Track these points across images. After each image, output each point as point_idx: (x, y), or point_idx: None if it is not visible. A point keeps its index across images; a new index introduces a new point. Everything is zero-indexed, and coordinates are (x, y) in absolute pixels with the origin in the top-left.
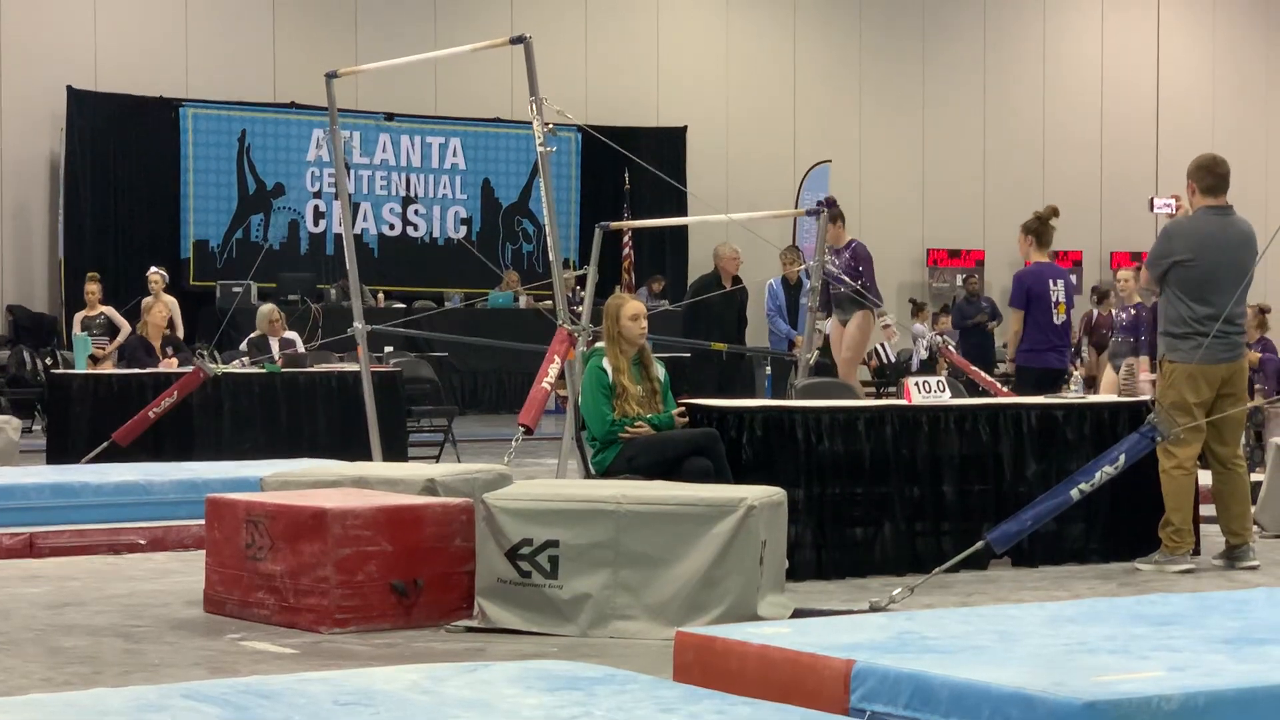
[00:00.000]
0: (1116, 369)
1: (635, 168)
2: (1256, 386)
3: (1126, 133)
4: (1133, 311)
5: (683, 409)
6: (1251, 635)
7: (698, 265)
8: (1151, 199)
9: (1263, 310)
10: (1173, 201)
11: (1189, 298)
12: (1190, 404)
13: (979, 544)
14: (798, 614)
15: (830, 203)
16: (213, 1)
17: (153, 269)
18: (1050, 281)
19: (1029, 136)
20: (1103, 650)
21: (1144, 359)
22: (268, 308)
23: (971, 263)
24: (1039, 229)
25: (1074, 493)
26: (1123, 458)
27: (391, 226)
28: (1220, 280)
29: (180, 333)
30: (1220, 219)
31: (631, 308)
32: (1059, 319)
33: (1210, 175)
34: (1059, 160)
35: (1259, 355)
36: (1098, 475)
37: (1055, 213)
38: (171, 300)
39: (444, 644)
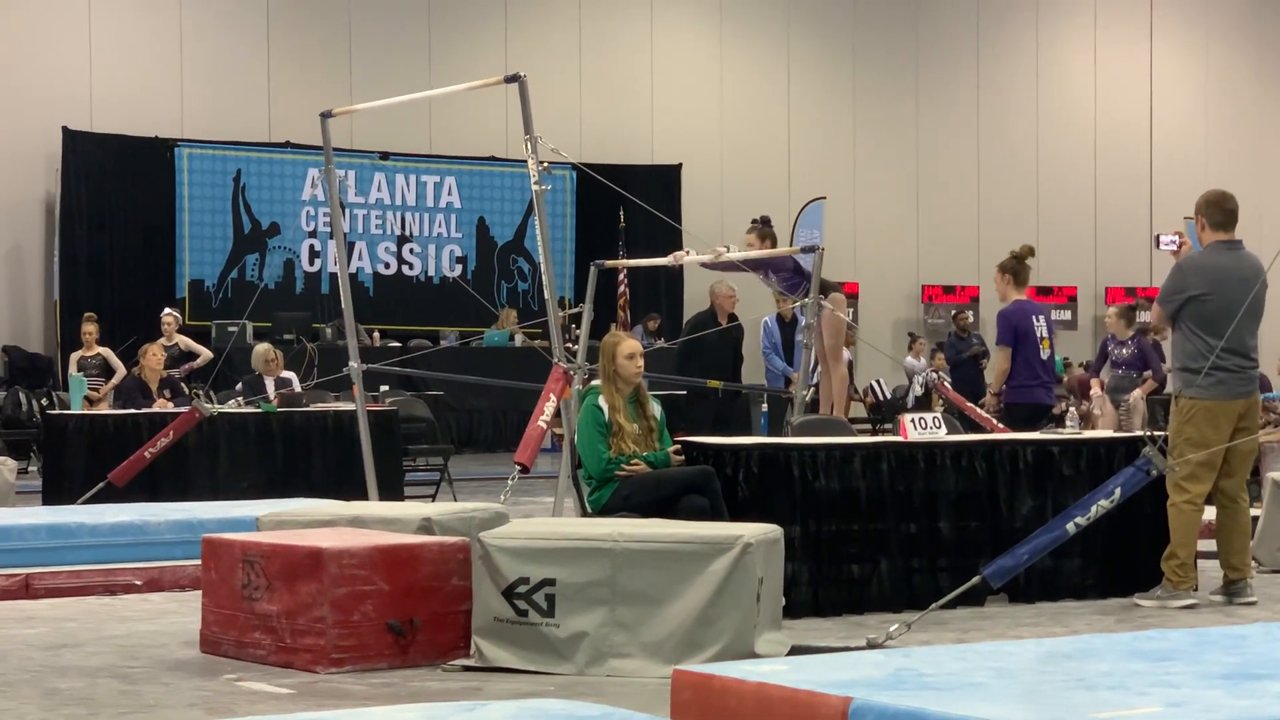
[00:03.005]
0: (1117, 405)
1: (630, 205)
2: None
3: (1120, 167)
4: (1134, 347)
5: (679, 447)
6: (1250, 671)
7: (693, 303)
8: (1158, 236)
9: None
10: (1177, 239)
11: (1205, 333)
12: (1210, 440)
13: (975, 579)
14: (795, 651)
15: (765, 220)
16: (207, 42)
17: (166, 310)
18: (1034, 318)
19: (1023, 172)
20: (1101, 686)
21: (1137, 392)
22: (263, 347)
23: (966, 298)
24: (1016, 268)
25: (1070, 527)
26: (1118, 491)
27: (387, 265)
28: (1236, 315)
29: (202, 359)
30: (1232, 253)
31: (627, 346)
32: (1044, 354)
33: (1220, 210)
34: (1053, 196)
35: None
36: (1093, 509)
37: (1031, 252)
38: (185, 339)
39: (441, 683)
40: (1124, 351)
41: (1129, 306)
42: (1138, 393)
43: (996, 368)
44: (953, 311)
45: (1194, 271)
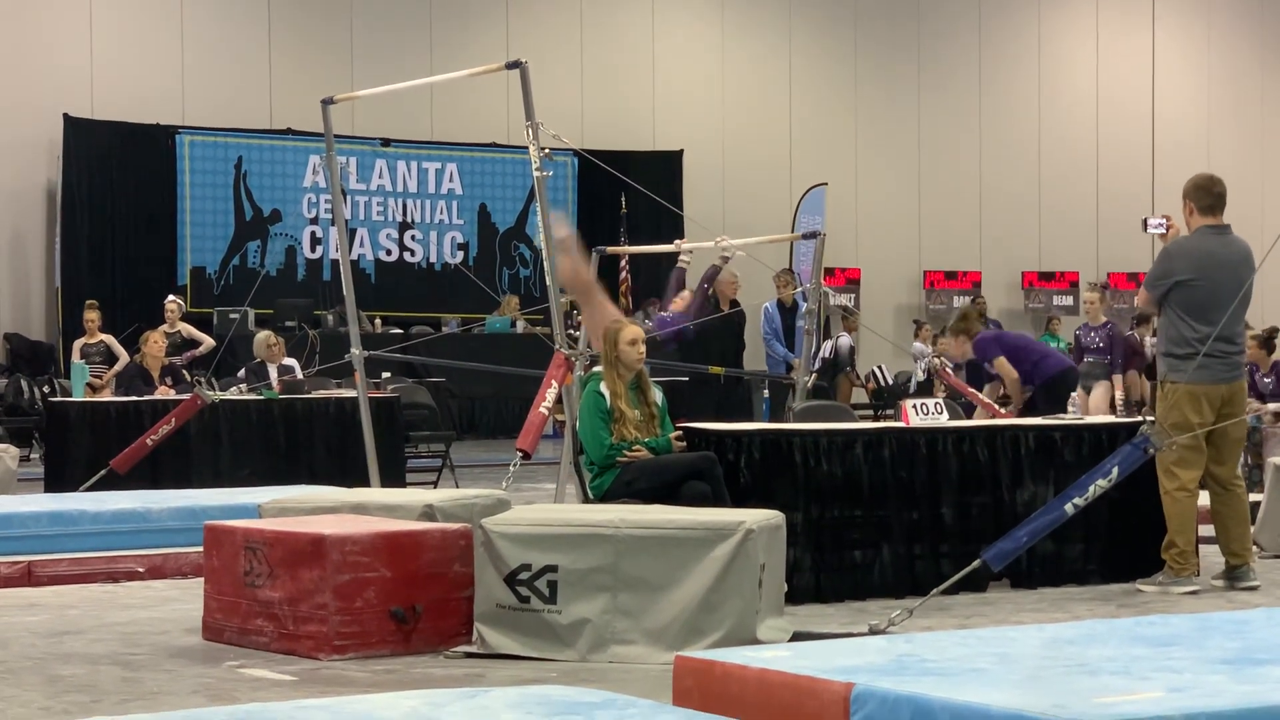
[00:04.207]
0: (1088, 390)
1: (632, 191)
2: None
3: (1122, 154)
4: (1105, 332)
5: (680, 433)
6: (1252, 656)
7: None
8: (1145, 219)
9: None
10: (1164, 221)
11: (1191, 317)
12: (1193, 424)
13: (975, 563)
14: (797, 637)
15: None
16: (209, 29)
17: (170, 298)
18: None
19: (1025, 158)
20: (1103, 672)
21: (1119, 378)
22: (265, 334)
23: (968, 284)
24: (965, 328)
25: (1068, 508)
26: (1115, 470)
27: (388, 252)
28: (1223, 299)
29: (204, 346)
30: (1220, 238)
31: (629, 333)
32: (1032, 335)
33: (1207, 195)
34: (1055, 182)
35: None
36: (1091, 489)
37: (981, 310)
38: (187, 327)
39: (443, 670)
40: (1095, 337)
41: (1104, 285)
42: (1128, 377)
43: (1007, 378)
44: (959, 298)
45: (1182, 256)
